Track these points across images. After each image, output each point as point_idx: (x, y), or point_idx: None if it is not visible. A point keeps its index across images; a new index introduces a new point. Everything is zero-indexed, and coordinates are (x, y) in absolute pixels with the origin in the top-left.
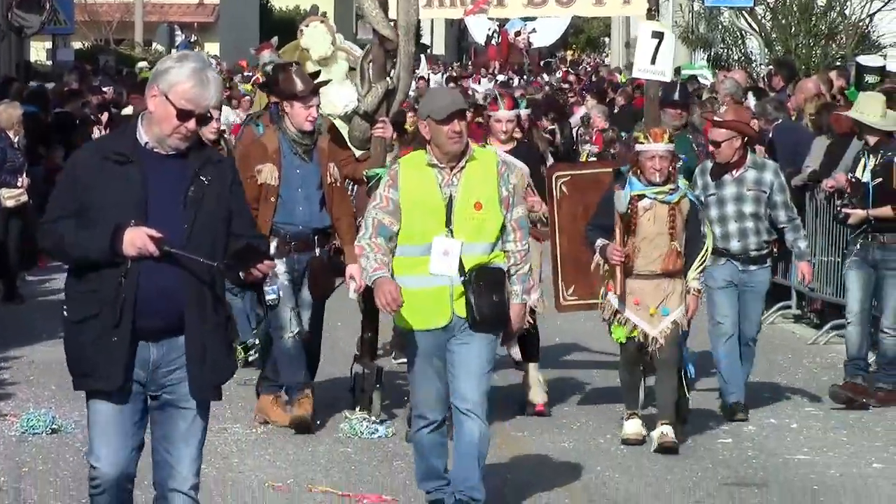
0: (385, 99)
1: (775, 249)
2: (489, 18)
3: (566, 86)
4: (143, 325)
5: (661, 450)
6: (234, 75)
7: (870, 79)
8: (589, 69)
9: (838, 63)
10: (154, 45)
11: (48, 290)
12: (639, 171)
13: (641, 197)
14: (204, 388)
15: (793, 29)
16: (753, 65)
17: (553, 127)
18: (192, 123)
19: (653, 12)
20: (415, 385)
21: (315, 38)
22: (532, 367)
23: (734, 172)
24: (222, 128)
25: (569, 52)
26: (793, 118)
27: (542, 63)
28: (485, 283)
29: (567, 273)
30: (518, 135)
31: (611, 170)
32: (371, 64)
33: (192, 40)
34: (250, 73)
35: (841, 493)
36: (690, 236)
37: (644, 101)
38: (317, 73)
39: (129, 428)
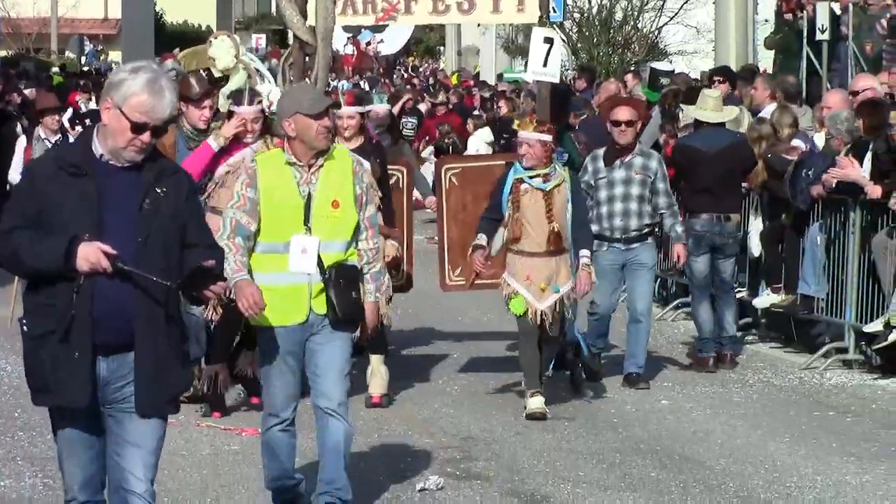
0: None
1: (658, 231)
2: (343, 28)
3: (409, 87)
4: (96, 341)
5: (530, 417)
6: None
7: (663, 80)
8: (427, 73)
9: (632, 68)
10: (66, 53)
11: None
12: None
13: (520, 180)
14: (152, 404)
15: (595, 39)
16: (562, 70)
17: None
18: (146, 136)
19: (544, 19)
20: (269, 383)
21: (221, 50)
22: (376, 359)
23: (624, 158)
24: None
25: (410, 59)
26: (597, 114)
27: (388, 68)
28: (344, 281)
29: (454, 257)
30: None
31: (502, 163)
32: (291, 66)
33: (98, 49)
34: None
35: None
36: (576, 219)
37: (474, 99)
38: (222, 80)
39: (95, 443)
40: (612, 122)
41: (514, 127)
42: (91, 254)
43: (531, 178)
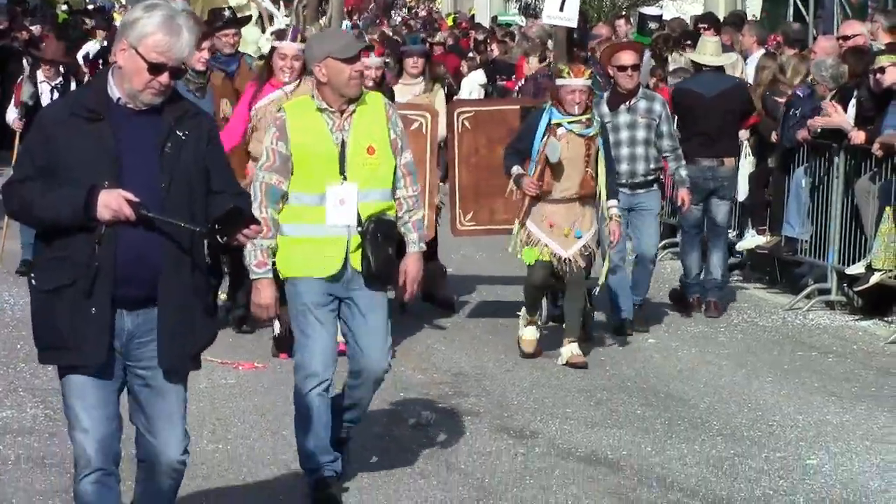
0: None
1: (661, 177)
2: None
3: (405, 29)
4: (119, 294)
5: (570, 365)
6: None
7: (652, 25)
8: (423, 14)
9: (623, 13)
10: None
11: None
12: (557, 104)
13: (558, 125)
14: (175, 359)
15: None
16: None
17: (388, 60)
18: (165, 77)
19: None
20: (304, 342)
21: None
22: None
23: (629, 102)
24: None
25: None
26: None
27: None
28: (382, 236)
29: (466, 201)
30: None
31: (517, 107)
32: (305, 8)
33: None
34: None
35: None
36: (606, 167)
37: (469, 41)
38: (246, 19)
39: (110, 402)
40: (617, 68)
41: (563, 75)
42: (113, 201)
43: (570, 123)
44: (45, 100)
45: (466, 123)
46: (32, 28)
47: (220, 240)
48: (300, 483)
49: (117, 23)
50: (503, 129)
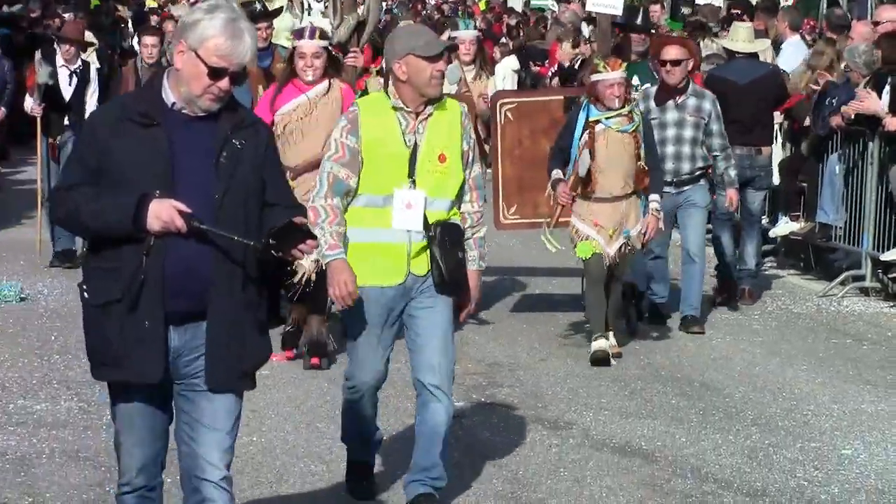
0: (356, 30)
1: (709, 172)
2: None
3: (438, 15)
4: (168, 308)
5: (595, 361)
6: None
7: (685, 10)
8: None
9: None
10: None
11: (19, 180)
12: (595, 100)
13: (597, 122)
14: (224, 377)
15: None
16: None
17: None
18: (225, 82)
19: None
20: (355, 352)
21: None
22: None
23: (677, 99)
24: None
25: None
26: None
27: None
28: (450, 241)
29: (509, 194)
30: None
31: (560, 97)
32: None
33: None
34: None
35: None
36: (648, 162)
37: (502, 26)
38: (277, 11)
39: (158, 423)
40: (659, 62)
41: (599, 69)
42: (164, 212)
43: (609, 118)
44: (64, 86)
45: (509, 115)
46: (65, 16)
47: (274, 254)
48: (335, 475)
49: (147, 8)
50: (546, 120)
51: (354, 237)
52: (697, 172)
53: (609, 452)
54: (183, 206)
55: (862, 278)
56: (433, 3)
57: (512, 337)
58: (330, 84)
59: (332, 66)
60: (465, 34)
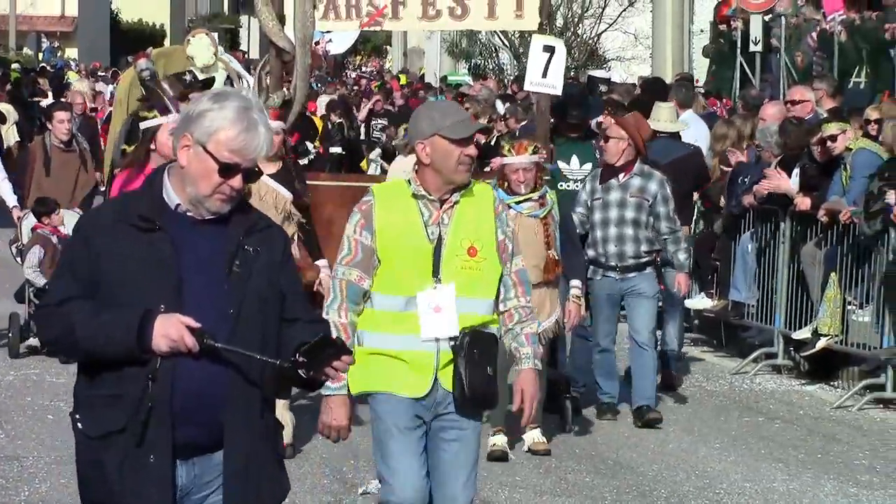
0: (283, 108)
1: (657, 260)
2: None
3: (356, 88)
4: (178, 440)
5: (532, 452)
6: (91, 75)
7: (602, 87)
8: (374, 71)
9: (572, 75)
10: (24, 49)
11: None
12: (505, 183)
13: (508, 206)
14: None
15: None
16: (504, 74)
17: (341, 121)
18: (237, 181)
19: (544, 26)
20: (387, 472)
21: (200, 48)
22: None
23: (620, 177)
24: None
25: (358, 58)
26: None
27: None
28: (479, 352)
29: None
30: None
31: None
32: (268, 74)
33: (55, 45)
34: (104, 73)
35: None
36: (565, 246)
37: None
38: (210, 80)
39: None
40: (603, 139)
41: (505, 153)
42: (172, 329)
43: (519, 203)
44: None
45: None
46: None
47: (304, 375)
48: None
49: (72, 81)
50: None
51: (371, 342)
52: (644, 258)
53: None
54: (192, 322)
55: (774, 356)
56: (353, 77)
57: None
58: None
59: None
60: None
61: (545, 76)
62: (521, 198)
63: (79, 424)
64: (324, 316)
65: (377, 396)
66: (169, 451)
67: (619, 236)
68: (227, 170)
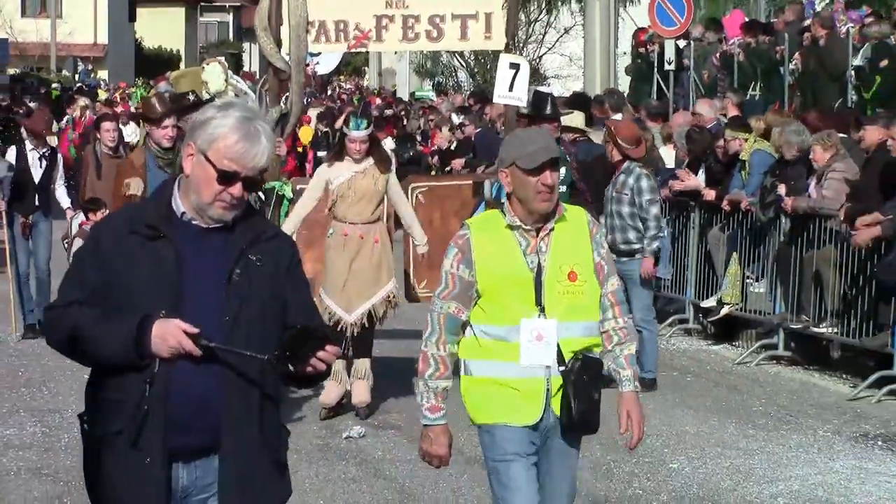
0: (280, 121)
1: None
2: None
3: (340, 102)
4: (174, 444)
5: None
6: (117, 91)
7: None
8: (353, 88)
9: None
10: (63, 71)
11: None
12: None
13: (502, 204)
14: None
15: (488, 65)
16: (462, 90)
17: (327, 130)
18: (237, 189)
19: (510, 47)
20: (507, 493)
21: (213, 75)
22: (362, 362)
23: (615, 175)
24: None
25: (341, 78)
26: (489, 126)
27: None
28: (588, 377)
29: (421, 271)
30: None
31: (469, 182)
32: (267, 91)
33: (89, 68)
34: (130, 91)
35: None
36: None
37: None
38: (209, 99)
39: None
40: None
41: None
42: (170, 334)
43: None
44: (35, 168)
45: (420, 197)
46: (31, 105)
47: (290, 368)
48: None
49: (101, 98)
50: (457, 202)
51: (482, 371)
52: (633, 244)
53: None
54: (189, 327)
55: (686, 321)
56: (336, 91)
57: (403, 377)
58: None
59: None
60: (356, 134)
61: (511, 90)
62: None
63: (85, 425)
64: (422, 348)
65: (494, 428)
66: (163, 454)
67: (610, 226)
68: (226, 177)
